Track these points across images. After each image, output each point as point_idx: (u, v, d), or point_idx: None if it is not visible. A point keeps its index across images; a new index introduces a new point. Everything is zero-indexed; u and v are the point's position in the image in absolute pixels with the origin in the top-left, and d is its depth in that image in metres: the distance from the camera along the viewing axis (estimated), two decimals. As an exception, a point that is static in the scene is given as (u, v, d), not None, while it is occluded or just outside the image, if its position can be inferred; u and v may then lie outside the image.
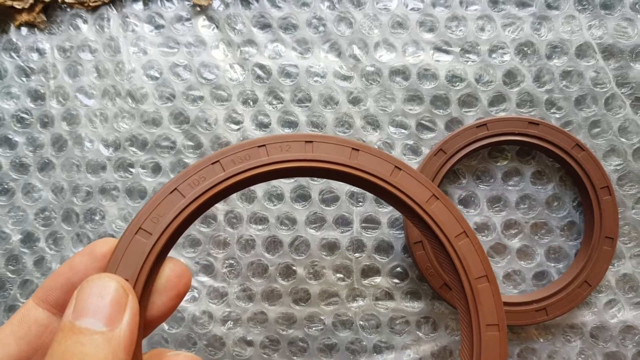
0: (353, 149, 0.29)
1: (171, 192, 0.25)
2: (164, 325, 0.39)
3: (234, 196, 0.39)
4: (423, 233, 0.29)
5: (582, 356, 0.38)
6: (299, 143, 0.29)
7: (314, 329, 0.38)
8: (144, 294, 0.24)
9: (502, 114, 0.38)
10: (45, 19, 0.40)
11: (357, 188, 0.38)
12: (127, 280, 0.23)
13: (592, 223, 0.36)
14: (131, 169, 0.40)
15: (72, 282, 0.23)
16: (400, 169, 0.29)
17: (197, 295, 0.39)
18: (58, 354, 0.20)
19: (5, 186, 0.41)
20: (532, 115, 0.38)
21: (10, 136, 0.41)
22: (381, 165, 0.29)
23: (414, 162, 0.38)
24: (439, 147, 0.37)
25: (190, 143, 0.39)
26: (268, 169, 0.28)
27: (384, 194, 0.29)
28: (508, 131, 0.37)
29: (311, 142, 0.29)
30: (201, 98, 0.40)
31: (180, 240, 0.39)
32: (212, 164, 0.28)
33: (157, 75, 0.40)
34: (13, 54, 0.41)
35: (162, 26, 0.40)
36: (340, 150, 0.29)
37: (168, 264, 0.25)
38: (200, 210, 0.26)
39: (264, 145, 0.28)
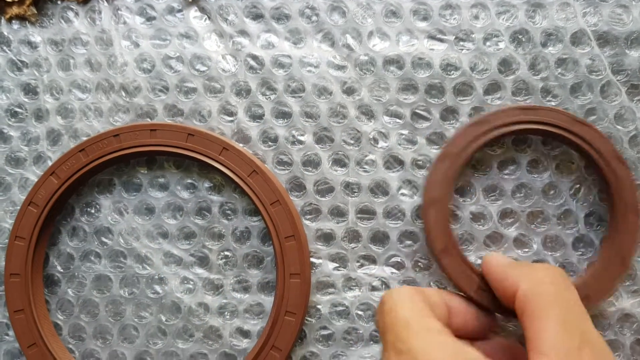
0: (189, 134, 0.37)
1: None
2: (162, 317, 0.39)
3: (229, 188, 0.39)
4: (248, 202, 0.38)
5: (579, 344, 0.38)
6: (144, 131, 0.37)
7: (310, 318, 0.38)
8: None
9: (498, 103, 0.38)
10: (36, 12, 0.40)
11: (352, 178, 0.38)
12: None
13: (611, 200, 0.36)
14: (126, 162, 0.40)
15: None
16: (228, 150, 0.37)
17: (192, 287, 0.39)
18: None
19: (1, 181, 0.40)
20: (528, 104, 0.38)
21: (4, 130, 0.41)
22: (211, 146, 0.37)
23: (409, 152, 0.38)
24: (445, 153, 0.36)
25: (184, 135, 0.39)
26: (121, 153, 0.37)
27: (214, 170, 0.37)
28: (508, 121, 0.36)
29: (155, 130, 0.37)
30: (194, 90, 0.39)
31: (175, 232, 0.39)
32: (80, 151, 0.38)
33: (150, 68, 0.40)
34: (5, 48, 0.41)
35: (154, 18, 0.40)
36: (178, 135, 0.37)
37: None
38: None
39: (119, 134, 0.37)
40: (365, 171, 0.39)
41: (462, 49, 0.38)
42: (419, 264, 0.38)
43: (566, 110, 0.37)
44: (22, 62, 0.41)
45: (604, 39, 0.37)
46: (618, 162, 0.35)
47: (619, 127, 0.37)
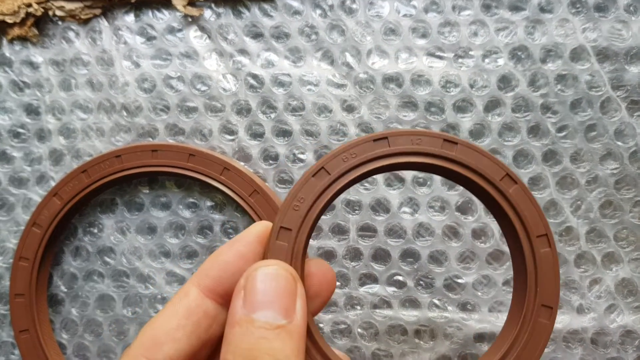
0: (190, 154, 0.38)
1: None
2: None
3: (231, 207, 0.39)
4: (250, 220, 0.38)
5: (582, 360, 0.38)
6: (146, 152, 0.38)
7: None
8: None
9: (498, 119, 0.38)
10: (37, 33, 0.40)
11: (353, 196, 0.38)
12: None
13: (524, 284, 0.25)
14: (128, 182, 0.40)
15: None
16: (229, 169, 0.37)
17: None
18: (243, 351, 0.19)
19: (5, 201, 0.41)
20: (528, 120, 0.38)
21: (7, 151, 0.41)
22: (212, 166, 0.38)
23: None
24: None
25: (185, 155, 0.39)
26: (124, 174, 0.38)
27: (216, 190, 0.38)
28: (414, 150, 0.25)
29: (156, 150, 0.38)
30: (195, 109, 0.40)
31: (177, 251, 0.40)
32: (82, 172, 0.38)
33: (151, 88, 0.40)
34: (7, 69, 0.41)
35: (154, 37, 0.40)
36: (179, 155, 0.38)
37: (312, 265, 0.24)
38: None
39: (120, 155, 0.38)
40: (366, 189, 0.39)
41: (462, 66, 0.38)
42: (421, 282, 0.38)
43: (566, 126, 0.37)
44: (24, 82, 0.41)
45: (603, 55, 0.37)
46: (541, 239, 0.24)
47: (619, 143, 0.37)
